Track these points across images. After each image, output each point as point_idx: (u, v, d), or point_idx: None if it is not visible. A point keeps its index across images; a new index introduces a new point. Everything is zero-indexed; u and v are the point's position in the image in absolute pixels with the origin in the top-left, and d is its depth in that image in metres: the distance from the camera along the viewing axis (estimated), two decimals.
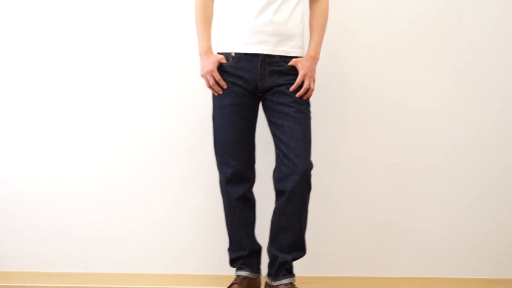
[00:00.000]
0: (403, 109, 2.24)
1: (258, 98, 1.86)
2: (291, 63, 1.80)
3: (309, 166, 1.78)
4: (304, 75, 1.80)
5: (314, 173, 1.81)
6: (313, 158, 1.82)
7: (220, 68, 1.81)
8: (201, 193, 2.24)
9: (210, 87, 1.83)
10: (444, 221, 2.25)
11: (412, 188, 2.25)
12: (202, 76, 1.84)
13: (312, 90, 1.83)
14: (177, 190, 2.25)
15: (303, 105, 1.81)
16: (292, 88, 1.79)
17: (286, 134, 1.77)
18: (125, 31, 2.24)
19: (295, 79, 1.80)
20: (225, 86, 1.81)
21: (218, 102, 1.84)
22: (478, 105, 2.24)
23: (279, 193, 1.81)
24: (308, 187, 1.80)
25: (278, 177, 1.79)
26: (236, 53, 1.80)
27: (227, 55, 1.82)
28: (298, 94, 1.79)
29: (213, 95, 1.86)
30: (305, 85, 1.80)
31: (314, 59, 1.84)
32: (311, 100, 1.86)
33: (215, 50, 1.88)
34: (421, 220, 2.25)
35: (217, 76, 1.80)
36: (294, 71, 1.81)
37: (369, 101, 2.23)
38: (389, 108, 2.24)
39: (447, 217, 2.25)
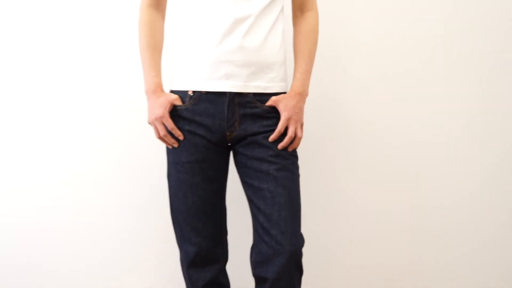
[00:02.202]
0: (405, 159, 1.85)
1: (228, 150, 1.38)
2: (269, 102, 1.32)
3: (298, 244, 1.30)
4: (288, 119, 1.32)
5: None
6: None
7: (174, 112, 1.33)
8: None
9: (160, 138, 1.35)
10: None
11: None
12: (150, 123, 1.36)
13: (300, 138, 1.35)
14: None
15: (288, 160, 1.33)
16: (272, 137, 1.31)
17: (266, 200, 1.29)
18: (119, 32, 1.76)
19: (276, 125, 1.32)
20: (181, 137, 1.33)
21: (173, 157, 1.36)
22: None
23: (259, 280, 1.32)
24: (299, 272, 1.32)
25: (258, 260, 1.31)
26: (194, 92, 1.32)
27: (182, 94, 1.34)
28: (280, 145, 1.31)
29: (167, 147, 1.38)
30: (290, 133, 1.32)
31: (302, 95, 1.36)
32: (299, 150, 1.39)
33: (167, 87, 1.40)
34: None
35: (170, 124, 1.32)
36: (274, 114, 1.33)
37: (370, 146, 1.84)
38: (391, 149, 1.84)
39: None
